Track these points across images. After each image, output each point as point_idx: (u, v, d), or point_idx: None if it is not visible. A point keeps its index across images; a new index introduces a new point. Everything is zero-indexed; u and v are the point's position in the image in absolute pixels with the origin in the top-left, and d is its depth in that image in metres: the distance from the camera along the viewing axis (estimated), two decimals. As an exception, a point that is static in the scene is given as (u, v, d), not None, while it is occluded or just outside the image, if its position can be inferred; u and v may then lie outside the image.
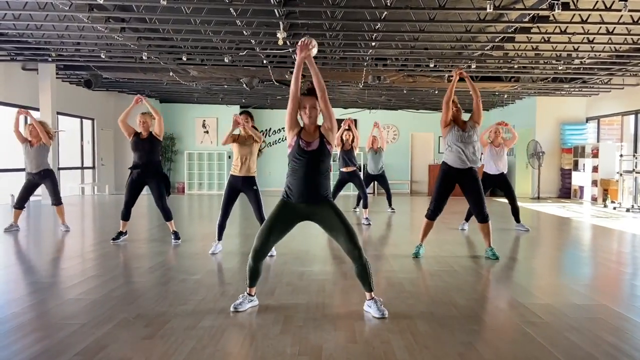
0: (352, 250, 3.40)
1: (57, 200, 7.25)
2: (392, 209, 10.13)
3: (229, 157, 15.80)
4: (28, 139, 7.11)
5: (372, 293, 3.50)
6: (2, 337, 3.01)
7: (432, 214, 5.47)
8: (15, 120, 7.17)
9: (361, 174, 8.70)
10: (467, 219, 7.63)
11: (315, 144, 3.41)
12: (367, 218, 8.30)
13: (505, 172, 7.51)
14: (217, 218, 5.55)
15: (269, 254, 5.42)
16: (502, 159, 7.47)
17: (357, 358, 2.75)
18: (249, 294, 3.61)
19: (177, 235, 6.33)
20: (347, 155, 8.38)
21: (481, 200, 5.36)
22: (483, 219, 5.39)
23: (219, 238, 5.61)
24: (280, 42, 7.52)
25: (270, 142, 17.44)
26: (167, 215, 6.30)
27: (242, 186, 5.45)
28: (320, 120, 3.51)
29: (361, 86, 12.14)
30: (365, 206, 8.40)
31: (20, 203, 7.25)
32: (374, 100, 15.22)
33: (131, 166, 6.22)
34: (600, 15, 7.01)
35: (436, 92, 13.04)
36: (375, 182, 9.98)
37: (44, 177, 7.17)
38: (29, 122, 7.28)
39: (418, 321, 3.34)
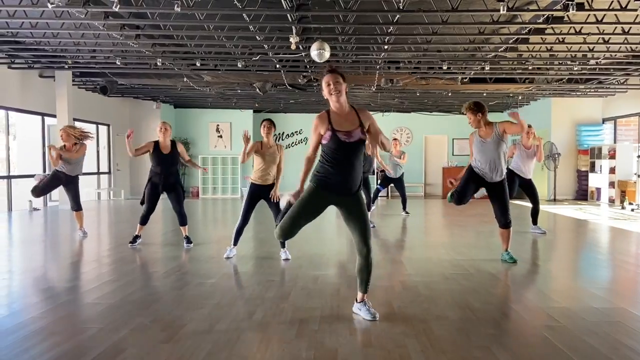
0: (361, 248, 3.41)
1: (77, 206, 7.37)
2: (407, 212, 10.10)
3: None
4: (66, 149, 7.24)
5: (365, 295, 3.51)
6: (21, 341, 3.05)
7: (458, 200, 5.42)
8: (50, 157, 7.30)
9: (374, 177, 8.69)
10: None
11: (356, 134, 3.32)
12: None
13: (531, 178, 7.23)
14: (233, 222, 5.59)
15: (283, 258, 5.48)
16: (532, 163, 7.18)
17: (372, 362, 2.74)
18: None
19: (189, 240, 6.41)
20: (367, 159, 8.40)
21: (505, 209, 5.29)
22: (505, 225, 5.33)
23: (235, 243, 5.65)
24: (293, 47, 7.56)
25: (283, 146, 17.49)
26: (183, 220, 6.38)
27: (265, 194, 5.55)
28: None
29: (374, 89, 12.12)
30: (367, 209, 8.40)
31: (40, 193, 7.36)
32: (386, 103, 15.19)
33: (151, 175, 6.35)
34: (615, 15, 6.93)
35: (449, 94, 12.97)
36: (391, 186, 9.97)
37: (70, 181, 7.28)
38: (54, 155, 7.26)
39: (434, 325, 3.33)
